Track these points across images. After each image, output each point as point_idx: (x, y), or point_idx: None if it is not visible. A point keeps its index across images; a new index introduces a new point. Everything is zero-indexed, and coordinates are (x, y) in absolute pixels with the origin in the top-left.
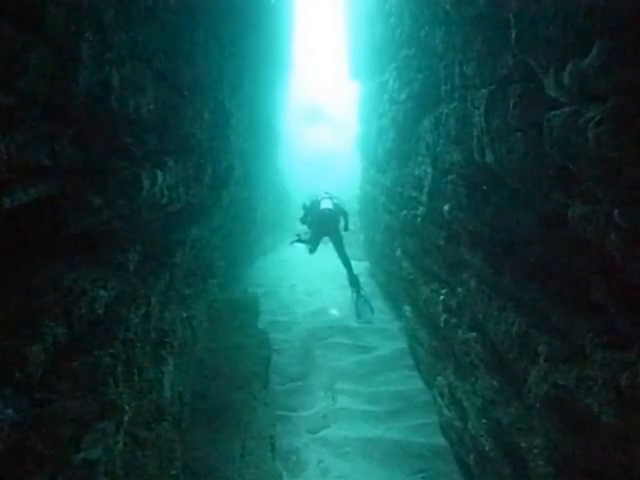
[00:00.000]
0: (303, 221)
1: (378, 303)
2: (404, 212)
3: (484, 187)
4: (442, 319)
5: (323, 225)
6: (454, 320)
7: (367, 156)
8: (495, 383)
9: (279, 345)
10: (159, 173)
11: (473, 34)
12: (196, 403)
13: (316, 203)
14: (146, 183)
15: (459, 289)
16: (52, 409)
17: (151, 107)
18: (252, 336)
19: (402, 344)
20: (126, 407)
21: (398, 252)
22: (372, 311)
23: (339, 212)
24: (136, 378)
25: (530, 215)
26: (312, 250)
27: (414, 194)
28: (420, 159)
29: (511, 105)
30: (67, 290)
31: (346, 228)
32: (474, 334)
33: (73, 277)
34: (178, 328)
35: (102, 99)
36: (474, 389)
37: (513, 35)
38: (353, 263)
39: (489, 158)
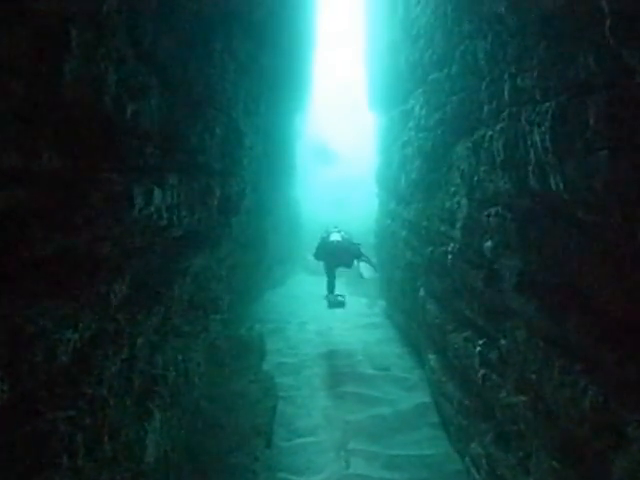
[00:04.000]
0: (316, 257)
1: (395, 348)
2: (430, 248)
3: (542, 220)
4: (479, 375)
5: (334, 256)
6: (495, 377)
7: (386, 188)
8: (556, 465)
9: (286, 392)
10: (157, 191)
11: (534, 39)
12: (186, 465)
13: (326, 237)
14: (139, 200)
15: (502, 340)
16: None
17: (154, 116)
18: (256, 382)
19: (425, 397)
20: None
21: (422, 292)
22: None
23: (349, 244)
24: (106, 445)
25: (609, 257)
26: (331, 302)
27: (443, 228)
28: (452, 190)
29: (592, 118)
30: (16, 331)
31: (361, 258)
32: (524, 398)
33: (28, 314)
34: (171, 374)
35: (94, 100)
36: (525, 467)
37: (607, 25)
38: (367, 301)
39: (555, 185)
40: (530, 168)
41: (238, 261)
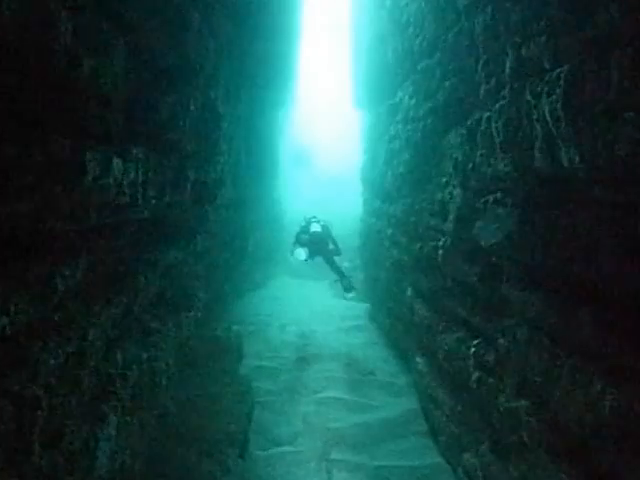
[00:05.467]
0: (297, 240)
1: (380, 351)
2: (419, 245)
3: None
4: (474, 378)
5: (314, 245)
6: (492, 381)
7: (371, 186)
8: (565, 477)
9: (263, 397)
10: (116, 160)
11: (543, 1)
12: (148, 476)
13: (306, 227)
14: (93, 167)
15: (500, 340)
16: None
17: (118, 80)
18: (231, 385)
19: (412, 404)
20: None
21: (409, 292)
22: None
23: (327, 234)
24: (36, 456)
25: (633, 242)
26: (310, 257)
27: (433, 222)
28: (444, 180)
29: (615, 76)
30: None
31: (337, 253)
32: (526, 403)
33: None
34: (133, 373)
35: (43, 47)
36: None
37: None
38: (351, 303)
39: (568, 160)
40: (536, 145)
41: (216, 259)
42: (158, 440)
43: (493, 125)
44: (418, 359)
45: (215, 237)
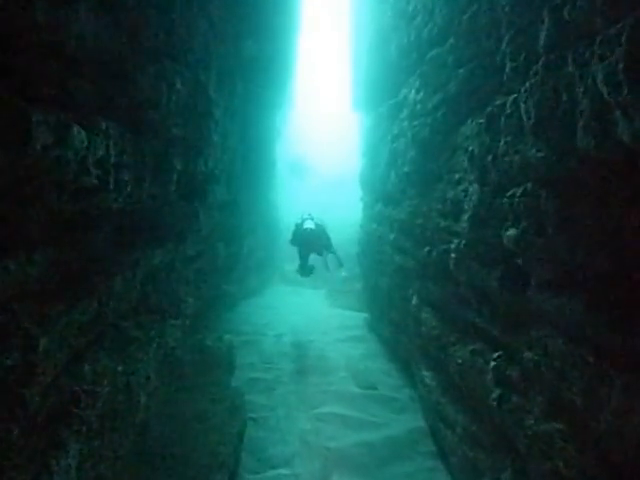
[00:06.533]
0: (292, 243)
1: (381, 363)
2: (427, 249)
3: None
4: (493, 396)
5: (308, 242)
6: (516, 399)
7: (372, 189)
8: None
9: (257, 412)
10: (77, 129)
11: None
12: None
13: (300, 225)
14: (41, 132)
15: (526, 353)
16: None
17: (87, 39)
18: (222, 400)
19: (418, 421)
20: None
21: (414, 300)
22: (341, 264)
23: (321, 231)
24: None
25: None
26: (303, 272)
27: (444, 224)
28: (457, 177)
29: None
30: None
31: (330, 250)
32: (559, 426)
33: None
34: (104, 389)
35: None
36: None
37: None
38: (349, 313)
39: (630, 134)
40: (580, 122)
41: (208, 265)
42: (134, 467)
43: (522, 107)
44: (425, 373)
45: (207, 240)
